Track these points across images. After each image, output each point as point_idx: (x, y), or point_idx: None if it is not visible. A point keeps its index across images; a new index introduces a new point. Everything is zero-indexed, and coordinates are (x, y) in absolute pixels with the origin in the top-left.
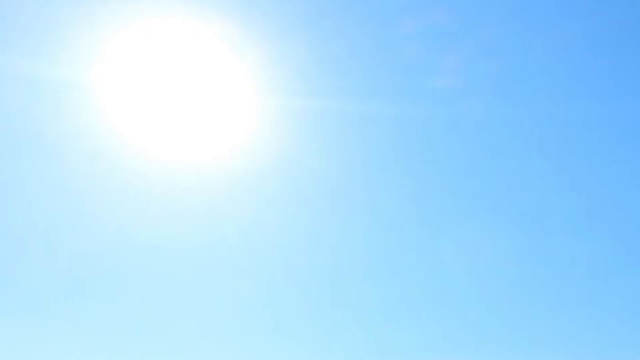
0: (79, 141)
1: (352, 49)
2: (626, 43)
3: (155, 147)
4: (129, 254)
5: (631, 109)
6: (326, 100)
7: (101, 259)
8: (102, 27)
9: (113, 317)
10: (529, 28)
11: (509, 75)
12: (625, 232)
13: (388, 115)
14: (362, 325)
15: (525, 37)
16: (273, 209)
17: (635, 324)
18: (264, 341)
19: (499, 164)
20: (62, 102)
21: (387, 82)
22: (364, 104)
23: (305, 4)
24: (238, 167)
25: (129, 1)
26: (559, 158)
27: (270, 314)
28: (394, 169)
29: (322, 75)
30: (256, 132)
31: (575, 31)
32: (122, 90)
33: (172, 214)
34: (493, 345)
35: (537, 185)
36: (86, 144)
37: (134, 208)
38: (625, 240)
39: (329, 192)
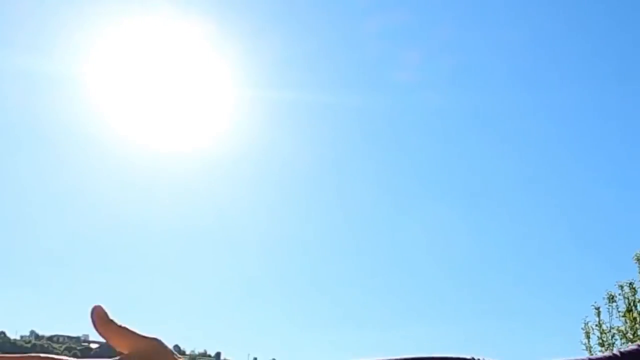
0: (71, 130)
1: (321, 45)
2: (573, 41)
3: (142, 135)
4: (117, 233)
5: (575, 100)
6: (298, 92)
7: (91, 237)
8: (93, 26)
9: (101, 290)
10: (483, 27)
11: (465, 70)
12: (574, 211)
13: (355, 106)
14: (332, 297)
15: (480, 35)
16: (249, 191)
17: (580, 296)
18: (241, 311)
19: (457, 150)
20: (56, 95)
21: (354, 76)
22: (333, 95)
23: (278, 4)
24: (217, 154)
25: (118, 2)
26: (512, 145)
27: (246, 287)
28: (361, 155)
29: (294, 69)
30: (233, 121)
31: (526, 29)
32: (112, 83)
33: (156, 196)
34: (451, 313)
35: (492, 169)
36: (78, 133)
37: (122, 191)
38: (573, 219)
39: (301, 176)
